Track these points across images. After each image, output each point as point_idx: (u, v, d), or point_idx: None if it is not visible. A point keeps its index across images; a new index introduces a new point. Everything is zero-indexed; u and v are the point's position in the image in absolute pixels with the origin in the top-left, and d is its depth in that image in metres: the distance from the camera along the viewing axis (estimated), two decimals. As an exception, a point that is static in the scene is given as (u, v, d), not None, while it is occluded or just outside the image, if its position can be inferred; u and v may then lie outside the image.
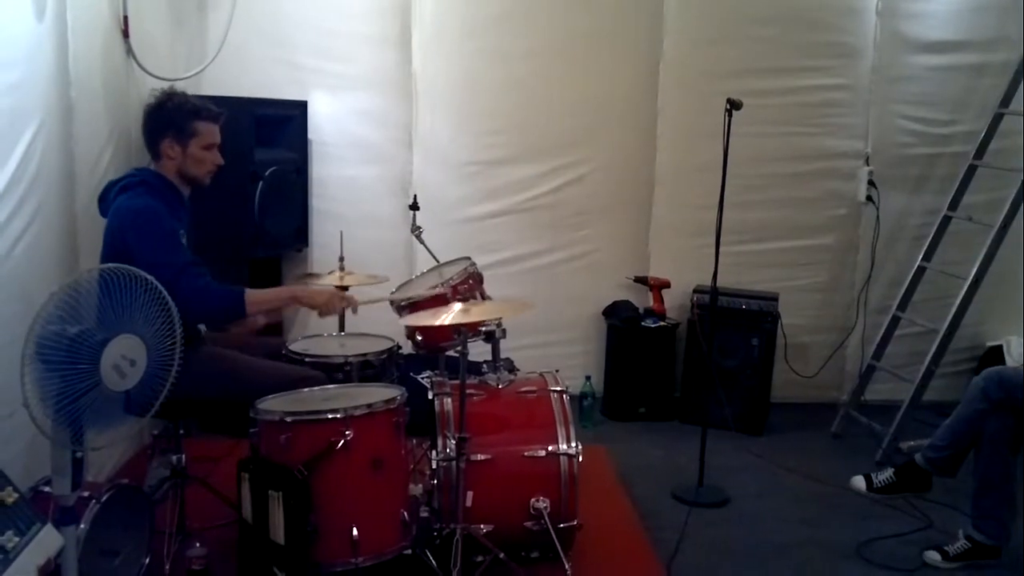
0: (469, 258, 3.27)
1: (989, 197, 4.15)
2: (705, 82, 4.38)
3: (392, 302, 3.16)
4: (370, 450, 2.54)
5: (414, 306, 3.07)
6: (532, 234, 4.59)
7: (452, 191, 4.54)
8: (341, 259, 3.45)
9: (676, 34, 4.42)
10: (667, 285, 4.51)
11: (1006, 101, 4.06)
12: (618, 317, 4.49)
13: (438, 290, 3.04)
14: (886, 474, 3.31)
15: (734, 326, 4.30)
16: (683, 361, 4.48)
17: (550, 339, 4.63)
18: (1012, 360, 4.31)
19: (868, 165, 4.48)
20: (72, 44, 2.99)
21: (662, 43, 4.43)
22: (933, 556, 3.07)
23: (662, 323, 4.44)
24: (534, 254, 4.60)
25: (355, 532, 2.45)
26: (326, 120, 4.43)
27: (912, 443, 3.89)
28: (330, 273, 3.44)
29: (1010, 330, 4.45)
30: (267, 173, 3.98)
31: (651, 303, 4.53)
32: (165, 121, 2.85)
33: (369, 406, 2.57)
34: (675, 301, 4.56)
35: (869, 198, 4.47)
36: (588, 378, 4.46)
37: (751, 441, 4.20)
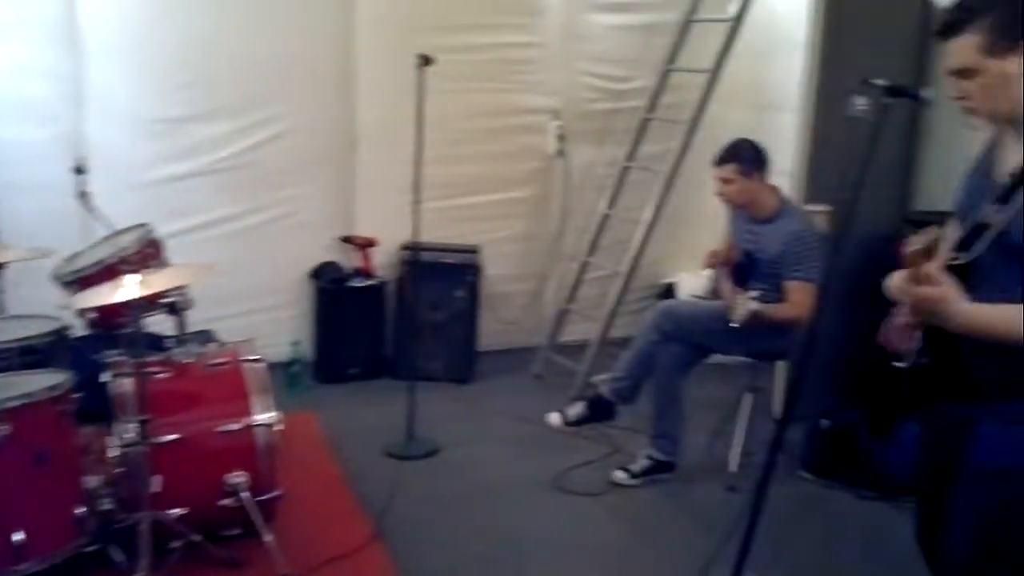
0: (145, 224, 3.03)
1: (662, 147, 4.54)
2: (402, 36, 4.31)
3: (59, 278, 2.85)
4: (32, 445, 2.29)
5: (85, 281, 2.80)
6: (230, 196, 4.35)
7: (136, 151, 4.17)
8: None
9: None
10: (374, 243, 4.50)
11: (672, 58, 4.44)
12: (325, 279, 4.42)
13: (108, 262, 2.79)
14: (577, 408, 3.56)
15: (439, 280, 4.39)
16: (393, 319, 4.51)
17: (256, 306, 4.45)
18: (683, 295, 4.80)
19: (557, 120, 4.72)
20: None
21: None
22: (620, 475, 3.38)
23: (370, 282, 4.43)
24: (233, 217, 4.37)
25: (16, 537, 2.21)
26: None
27: (602, 376, 4.22)
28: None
29: (682, 267, 4.94)
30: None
31: (360, 263, 4.49)
32: None
33: (28, 396, 2.31)
34: (384, 259, 4.56)
35: (559, 151, 4.73)
36: (295, 343, 4.35)
37: (461, 390, 4.35)
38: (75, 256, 3.10)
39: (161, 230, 4.19)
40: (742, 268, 3.30)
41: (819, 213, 3.51)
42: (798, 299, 3.10)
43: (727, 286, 3.28)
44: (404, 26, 4.38)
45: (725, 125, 4.49)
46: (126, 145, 4.15)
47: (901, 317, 1.91)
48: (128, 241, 2.90)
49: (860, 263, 3.50)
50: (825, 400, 3.79)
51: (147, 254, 2.87)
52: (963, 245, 1.81)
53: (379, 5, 4.37)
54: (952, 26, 1.71)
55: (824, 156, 3.81)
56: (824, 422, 3.45)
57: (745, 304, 2.96)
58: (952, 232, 1.84)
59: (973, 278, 1.73)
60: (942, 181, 3.70)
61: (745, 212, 3.31)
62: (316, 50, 4.36)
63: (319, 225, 4.52)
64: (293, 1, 4.26)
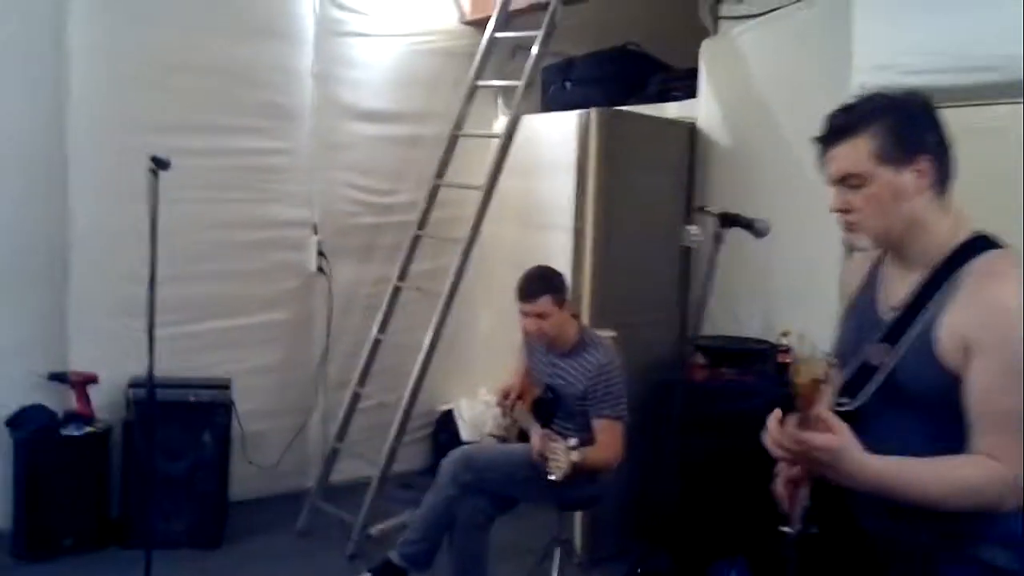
0: None
1: (433, 264, 4.22)
2: (125, 132, 3.69)
3: None
4: None
5: None
6: None
7: None
8: None
9: (85, 72, 3.65)
10: (94, 380, 3.67)
11: (440, 172, 4.18)
12: (27, 428, 3.52)
13: None
14: (362, 581, 3.01)
15: (180, 422, 3.65)
16: (120, 473, 3.68)
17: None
18: (464, 423, 4.44)
19: (317, 234, 4.26)
20: None
21: (68, 80, 3.64)
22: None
23: (89, 429, 3.58)
24: None
25: None
26: None
27: (383, 526, 3.70)
28: None
29: (459, 392, 4.59)
30: None
31: (74, 405, 3.64)
32: None
33: None
34: (107, 398, 3.72)
35: (320, 268, 4.25)
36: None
37: (209, 558, 3.58)
38: None
39: None
40: (545, 405, 2.97)
41: (607, 338, 3.33)
42: (610, 439, 2.82)
43: (536, 431, 2.87)
44: (128, 120, 3.73)
45: (496, 243, 4.31)
46: None
47: (785, 472, 1.66)
48: None
49: (646, 392, 3.37)
50: (626, 542, 3.57)
51: None
52: (849, 390, 1.61)
53: (98, 91, 3.69)
54: (844, 129, 1.52)
55: (609, 279, 3.71)
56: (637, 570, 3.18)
57: (567, 456, 2.59)
58: (835, 375, 1.64)
59: (858, 427, 1.51)
60: (726, 306, 3.70)
61: (545, 344, 3.02)
62: (20, 136, 3.57)
63: (19, 357, 3.60)
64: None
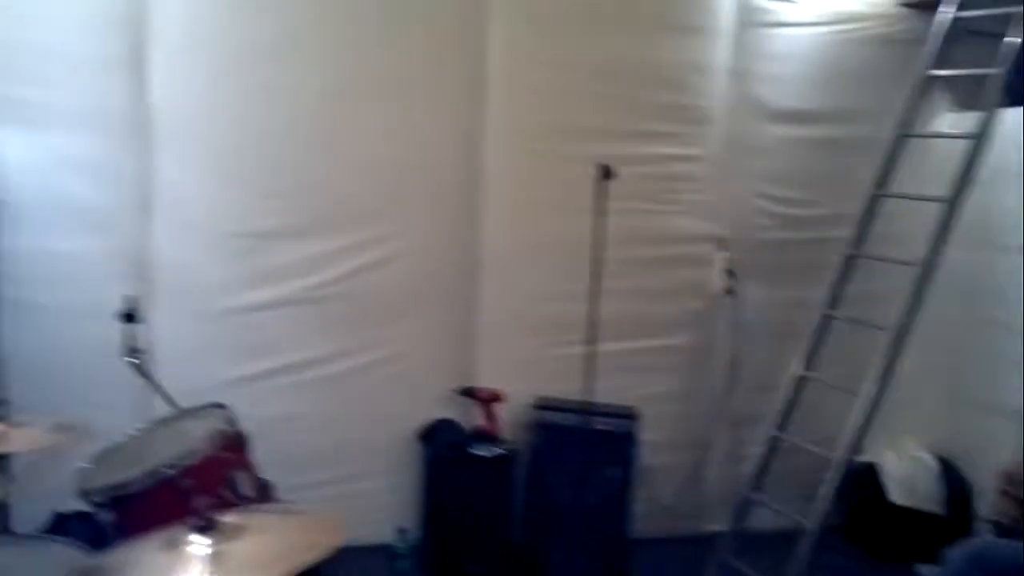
0: (223, 408, 2.05)
1: (862, 290, 3.59)
2: (541, 143, 3.51)
3: (86, 494, 1.83)
4: None
5: (124, 505, 1.80)
6: (320, 332, 3.43)
7: (209, 272, 3.31)
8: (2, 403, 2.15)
9: (502, 84, 3.51)
10: (501, 398, 3.52)
11: (882, 180, 3.54)
12: (439, 442, 3.43)
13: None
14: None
15: (585, 450, 3.37)
16: (523, 499, 3.48)
17: (345, 472, 3.48)
18: (894, 483, 3.74)
19: (724, 250, 3.81)
20: None
21: (485, 93, 3.51)
22: None
23: (497, 450, 3.41)
24: (323, 359, 3.44)
25: None
26: (18, 170, 3.06)
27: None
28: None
29: (884, 443, 3.90)
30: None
31: (481, 421, 3.50)
32: None
33: None
34: (511, 418, 3.56)
35: (728, 289, 3.80)
36: (402, 531, 3.34)
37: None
38: (112, 452, 2.10)
39: (233, 371, 3.38)
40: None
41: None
42: None
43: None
44: (542, 130, 3.55)
45: (945, 267, 3.59)
46: (197, 264, 3.29)
47: None
48: (196, 436, 1.92)
49: None
50: None
51: (224, 461, 1.87)
52: None
53: (513, 103, 3.53)
54: None
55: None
56: None
57: None
58: None
59: None
60: None
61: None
62: (436, 154, 3.51)
63: (431, 372, 3.56)
64: (411, 93, 3.42)
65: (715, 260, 3.81)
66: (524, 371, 3.57)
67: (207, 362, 3.29)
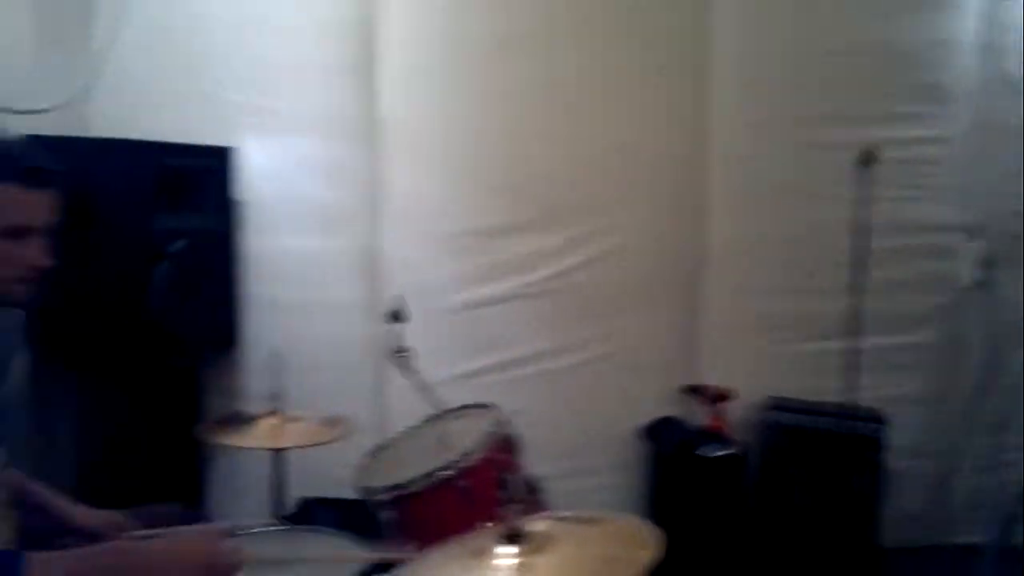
0: (492, 408, 2.02)
1: None
2: (776, 131, 3.33)
3: (368, 493, 1.86)
4: None
5: (404, 504, 1.80)
6: (543, 327, 3.40)
7: (436, 269, 3.35)
8: (277, 397, 2.23)
9: (732, 70, 3.35)
10: (728, 397, 3.36)
11: None
12: (664, 440, 3.32)
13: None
14: None
15: (823, 454, 3.18)
16: (753, 505, 3.31)
17: (567, 467, 3.41)
18: None
19: (975, 239, 3.47)
20: None
21: (712, 80, 3.36)
22: None
23: (726, 451, 3.26)
24: (545, 354, 3.40)
25: None
26: (260, 174, 3.21)
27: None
28: (258, 419, 2.22)
29: None
30: (175, 248, 2.72)
31: (707, 420, 3.36)
32: None
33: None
34: (739, 418, 3.40)
35: (982, 282, 3.46)
36: (629, 531, 3.26)
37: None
38: (384, 449, 2.13)
39: (457, 367, 3.40)
40: None
41: None
42: None
43: None
44: (769, 116, 3.36)
45: None
46: (423, 262, 3.33)
47: None
48: (470, 437, 1.90)
49: None
50: None
51: (498, 463, 1.84)
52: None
53: (740, 89, 3.36)
54: None
55: None
56: None
57: None
58: None
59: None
60: None
61: None
62: (661, 148, 3.40)
63: (656, 368, 3.46)
64: (634, 85, 3.33)
65: (964, 250, 3.48)
66: (753, 369, 3.40)
67: (432, 358, 3.29)
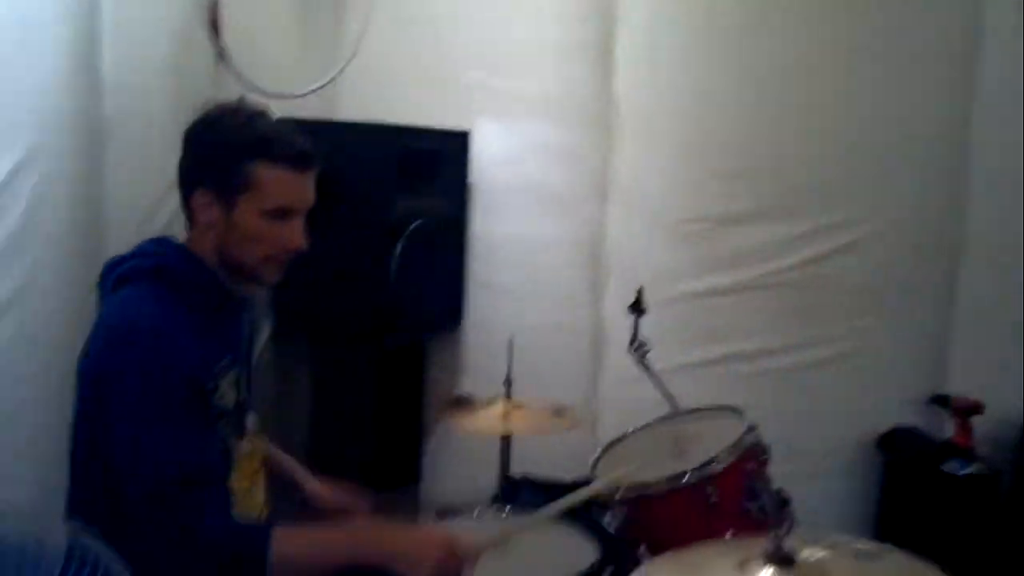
0: (734, 409, 1.91)
1: None
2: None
3: (613, 491, 1.80)
4: None
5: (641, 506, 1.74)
6: (773, 321, 3.22)
7: (660, 258, 3.25)
8: (508, 383, 2.24)
9: (1005, 48, 3.01)
10: (979, 410, 3.06)
11: None
12: (903, 453, 3.07)
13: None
14: None
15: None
16: (1004, 527, 3.00)
17: (789, 472, 3.21)
18: None
19: None
20: (106, 33, 1.88)
21: (979, 60, 3.03)
22: None
23: (971, 469, 2.97)
24: (773, 350, 3.22)
25: None
26: (493, 157, 3.25)
27: None
28: (489, 405, 2.26)
29: None
30: (411, 228, 2.83)
31: (951, 434, 3.08)
32: (204, 158, 1.62)
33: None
34: (989, 434, 3.10)
35: None
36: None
37: None
38: (618, 444, 2.06)
39: (678, 358, 3.31)
40: None
41: None
42: None
43: None
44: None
45: None
46: (648, 249, 3.25)
47: None
48: (714, 441, 1.81)
49: None
50: None
51: (745, 471, 1.72)
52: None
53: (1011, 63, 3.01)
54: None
55: None
56: None
57: None
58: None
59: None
60: None
61: None
62: (917, 134, 3.10)
63: (893, 374, 3.20)
64: (892, 67, 3.05)
65: None
66: (1009, 380, 3.06)
67: (654, 348, 3.28)
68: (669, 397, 2.06)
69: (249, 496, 1.67)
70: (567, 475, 2.95)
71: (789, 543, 1.26)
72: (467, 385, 3.33)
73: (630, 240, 3.25)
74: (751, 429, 1.77)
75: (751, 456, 1.73)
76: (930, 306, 3.16)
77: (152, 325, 1.48)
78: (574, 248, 3.26)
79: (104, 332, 1.51)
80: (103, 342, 1.49)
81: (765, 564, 1.24)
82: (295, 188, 1.63)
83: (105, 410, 1.45)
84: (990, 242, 3.09)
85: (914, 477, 3.01)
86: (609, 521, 1.79)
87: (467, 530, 1.55)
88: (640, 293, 2.12)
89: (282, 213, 1.60)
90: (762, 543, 1.26)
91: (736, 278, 3.19)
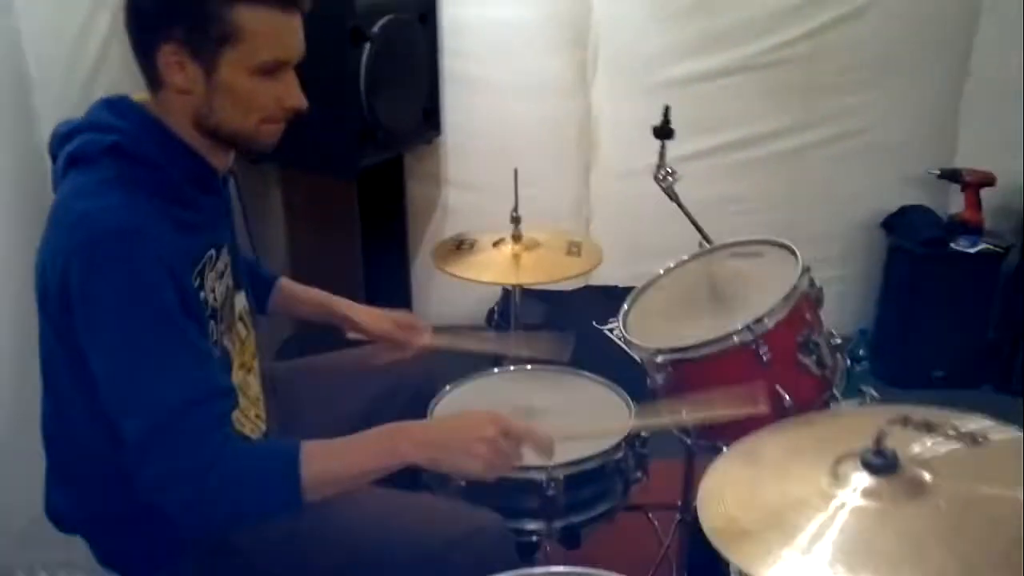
0: (782, 244, 1.71)
1: None
2: None
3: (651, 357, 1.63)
4: None
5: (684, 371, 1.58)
6: (771, 103, 2.99)
7: (649, 39, 2.95)
8: (515, 216, 2.01)
9: None
10: (990, 182, 2.92)
11: None
12: (910, 234, 2.96)
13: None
14: None
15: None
16: (1004, 302, 2.98)
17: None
18: None
19: None
20: None
21: None
22: None
23: (981, 247, 2.88)
24: (772, 134, 3.03)
25: None
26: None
27: None
28: (497, 243, 2.04)
29: None
30: (377, 28, 2.45)
31: (960, 210, 2.96)
32: (169, 3, 1.23)
33: None
34: (998, 208, 2.99)
35: None
36: (862, 333, 3.04)
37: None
38: (645, 293, 1.80)
39: (676, 150, 3.09)
40: None
41: None
42: None
43: None
44: None
45: None
46: (635, 30, 2.95)
47: None
48: (759, 288, 1.62)
49: None
50: None
51: (801, 322, 1.55)
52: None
53: None
54: None
55: None
56: None
57: None
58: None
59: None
60: None
61: None
62: None
63: (901, 151, 3.03)
64: None
65: None
66: (1016, 148, 2.90)
67: (645, 140, 3.04)
68: (700, 230, 1.86)
69: (245, 385, 1.48)
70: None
71: (885, 439, 1.12)
72: (451, 197, 3.11)
73: (614, 21, 2.92)
74: (806, 270, 1.58)
75: (806, 304, 1.56)
76: (940, 77, 2.93)
77: (117, 227, 1.19)
78: (554, 31, 2.91)
79: (65, 239, 1.21)
80: (64, 255, 1.21)
81: (864, 468, 1.11)
82: (287, 34, 1.27)
83: (80, 334, 1.22)
84: (1007, 7, 2.80)
85: (924, 259, 2.91)
86: (649, 384, 1.65)
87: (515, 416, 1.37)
88: (667, 113, 1.84)
89: (274, 67, 1.28)
90: (855, 440, 1.10)
91: (729, 58, 2.91)
